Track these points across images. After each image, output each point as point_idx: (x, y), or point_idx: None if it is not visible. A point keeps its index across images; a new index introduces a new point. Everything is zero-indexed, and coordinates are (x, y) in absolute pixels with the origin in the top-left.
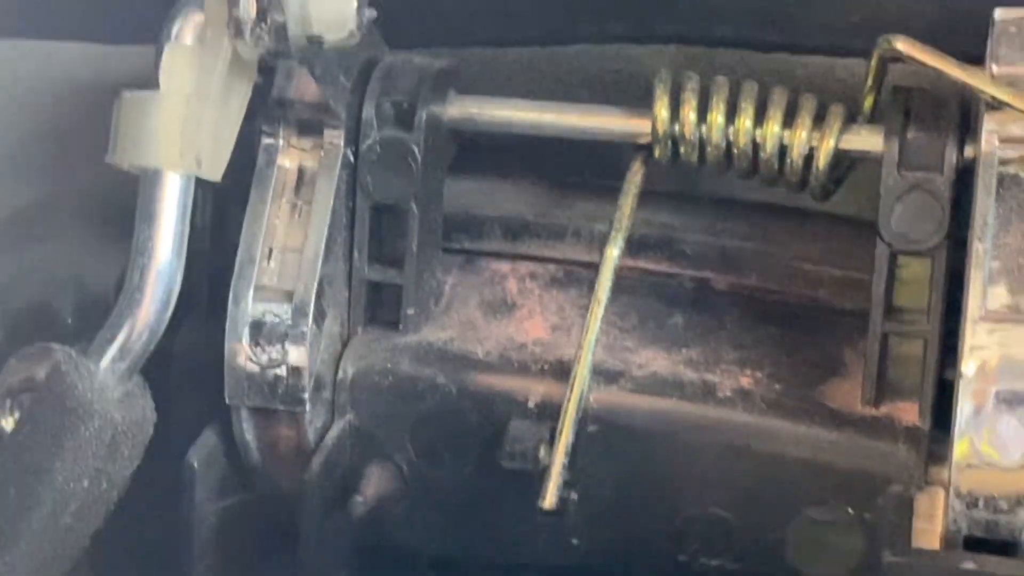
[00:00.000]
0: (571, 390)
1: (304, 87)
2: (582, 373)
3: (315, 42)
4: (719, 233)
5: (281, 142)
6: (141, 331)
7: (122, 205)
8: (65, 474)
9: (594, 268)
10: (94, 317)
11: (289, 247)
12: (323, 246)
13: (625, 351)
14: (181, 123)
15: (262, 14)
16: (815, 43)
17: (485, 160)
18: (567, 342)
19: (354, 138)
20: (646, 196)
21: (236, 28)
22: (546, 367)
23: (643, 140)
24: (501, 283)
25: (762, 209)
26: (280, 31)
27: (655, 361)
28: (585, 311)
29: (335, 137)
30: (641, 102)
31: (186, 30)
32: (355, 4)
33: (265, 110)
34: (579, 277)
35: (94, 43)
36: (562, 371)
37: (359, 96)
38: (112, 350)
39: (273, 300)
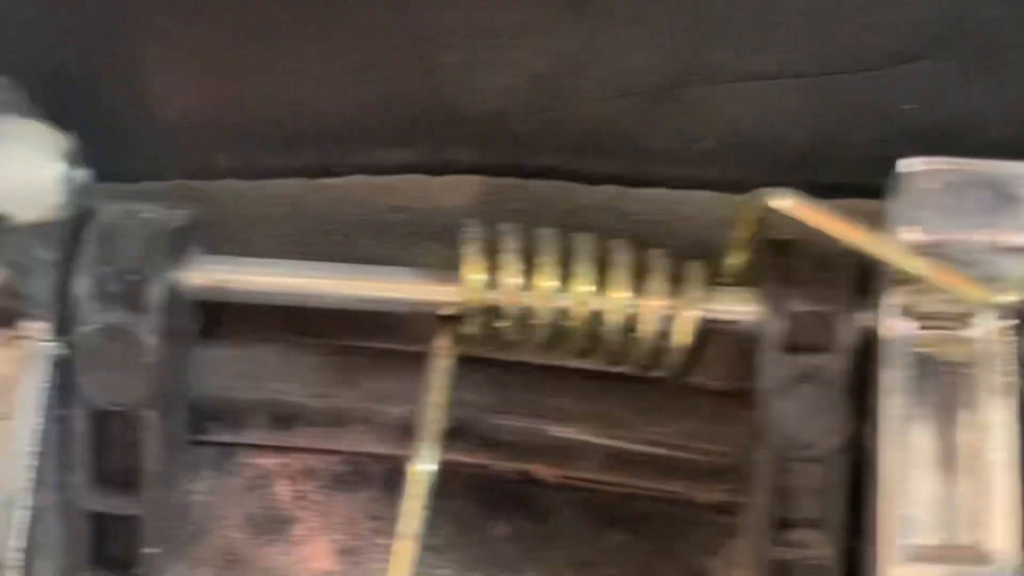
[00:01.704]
0: None
1: None
2: None
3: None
4: (542, 412)
5: None
6: None
7: None
8: None
9: (388, 461)
10: None
11: None
12: (32, 475)
13: None
14: None
15: None
16: (655, 173)
17: (240, 325)
18: (361, 575)
19: (63, 325)
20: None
21: None
22: None
23: (448, 310)
24: (268, 486)
25: (594, 378)
26: None
27: None
28: (381, 523)
29: (35, 329)
30: (442, 256)
31: None
32: (59, 171)
33: None
34: (370, 474)
35: None
36: None
37: (67, 268)
38: None
39: None
